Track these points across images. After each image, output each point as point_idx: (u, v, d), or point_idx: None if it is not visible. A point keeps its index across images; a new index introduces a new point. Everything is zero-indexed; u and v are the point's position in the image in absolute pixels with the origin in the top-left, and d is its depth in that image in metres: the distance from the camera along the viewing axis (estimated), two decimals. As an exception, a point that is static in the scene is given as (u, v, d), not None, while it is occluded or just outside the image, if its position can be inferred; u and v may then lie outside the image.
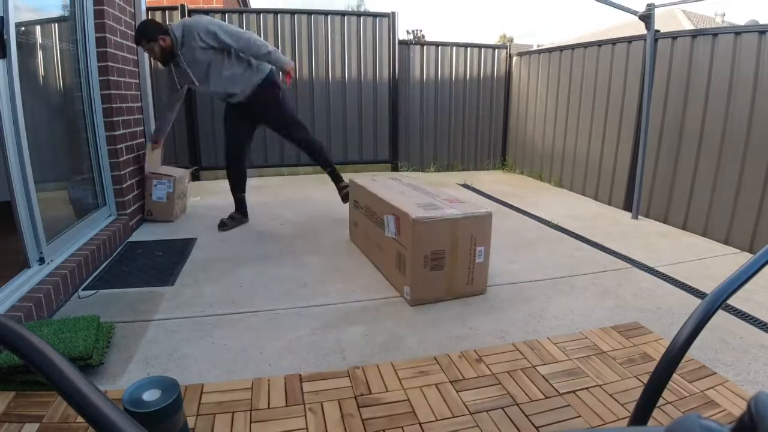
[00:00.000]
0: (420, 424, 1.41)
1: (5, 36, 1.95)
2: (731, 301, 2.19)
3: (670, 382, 0.45)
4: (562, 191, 4.85)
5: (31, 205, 2.09)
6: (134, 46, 3.22)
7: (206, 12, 4.96)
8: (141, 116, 3.55)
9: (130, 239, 3.06)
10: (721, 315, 2.11)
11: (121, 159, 3.06)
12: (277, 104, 3.25)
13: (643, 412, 0.45)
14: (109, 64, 2.92)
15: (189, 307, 2.15)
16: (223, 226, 3.29)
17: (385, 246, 2.46)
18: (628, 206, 4.01)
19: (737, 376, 1.69)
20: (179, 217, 3.56)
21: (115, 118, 2.97)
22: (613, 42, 4.19)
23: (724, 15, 18.94)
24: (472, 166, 6.04)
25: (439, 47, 5.67)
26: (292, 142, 3.50)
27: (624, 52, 4.06)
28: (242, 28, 4.96)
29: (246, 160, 3.45)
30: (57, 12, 2.77)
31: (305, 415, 1.44)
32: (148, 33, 2.86)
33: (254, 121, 3.35)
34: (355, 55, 5.36)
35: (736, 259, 2.92)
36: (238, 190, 3.43)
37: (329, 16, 5.25)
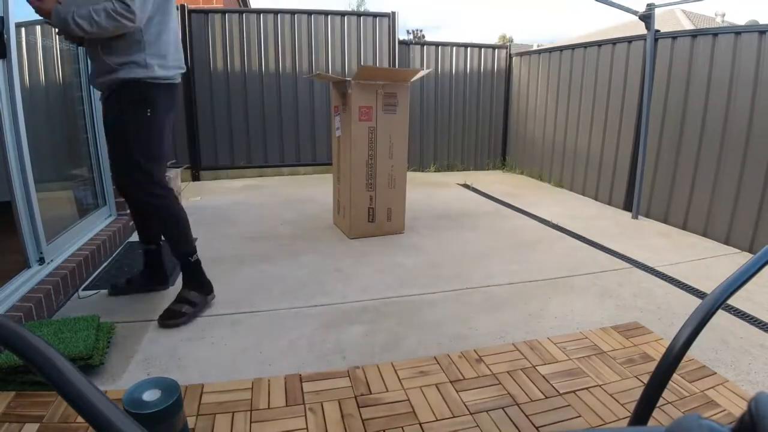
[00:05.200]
0: (420, 424, 1.41)
1: (5, 36, 1.95)
2: (731, 301, 2.19)
3: (670, 382, 0.45)
4: (562, 191, 4.85)
5: (31, 205, 2.09)
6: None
7: (206, 12, 4.96)
8: (141, 116, 3.54)
9: (130, 239, 3.06)
10: (721, 315, 2.11)
11: (121, 159, 3.05)
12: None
13: (643, 412, 0.45)
14: (109, 64, 2.92)
15: (189, 307, 2.15)
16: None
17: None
18: (628, 206, 4.01)
19: (737, 376, 1.69)
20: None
21: (115, 118, 2.97)
22: (613, 42, 4.19)
23: (724, 15, 18.94)
24: (472, 166, 6.04)
25: (439, 47, 5.67)
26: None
27: (624, 52, 4.06)
28: (243, 29, 5.02)
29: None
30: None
31: (305, 415, 1.44)
32: None
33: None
34: (355, 55, 5.36)
35: (736, 259, 2.92)
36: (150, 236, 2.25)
37: (329, 16, 5.25)
